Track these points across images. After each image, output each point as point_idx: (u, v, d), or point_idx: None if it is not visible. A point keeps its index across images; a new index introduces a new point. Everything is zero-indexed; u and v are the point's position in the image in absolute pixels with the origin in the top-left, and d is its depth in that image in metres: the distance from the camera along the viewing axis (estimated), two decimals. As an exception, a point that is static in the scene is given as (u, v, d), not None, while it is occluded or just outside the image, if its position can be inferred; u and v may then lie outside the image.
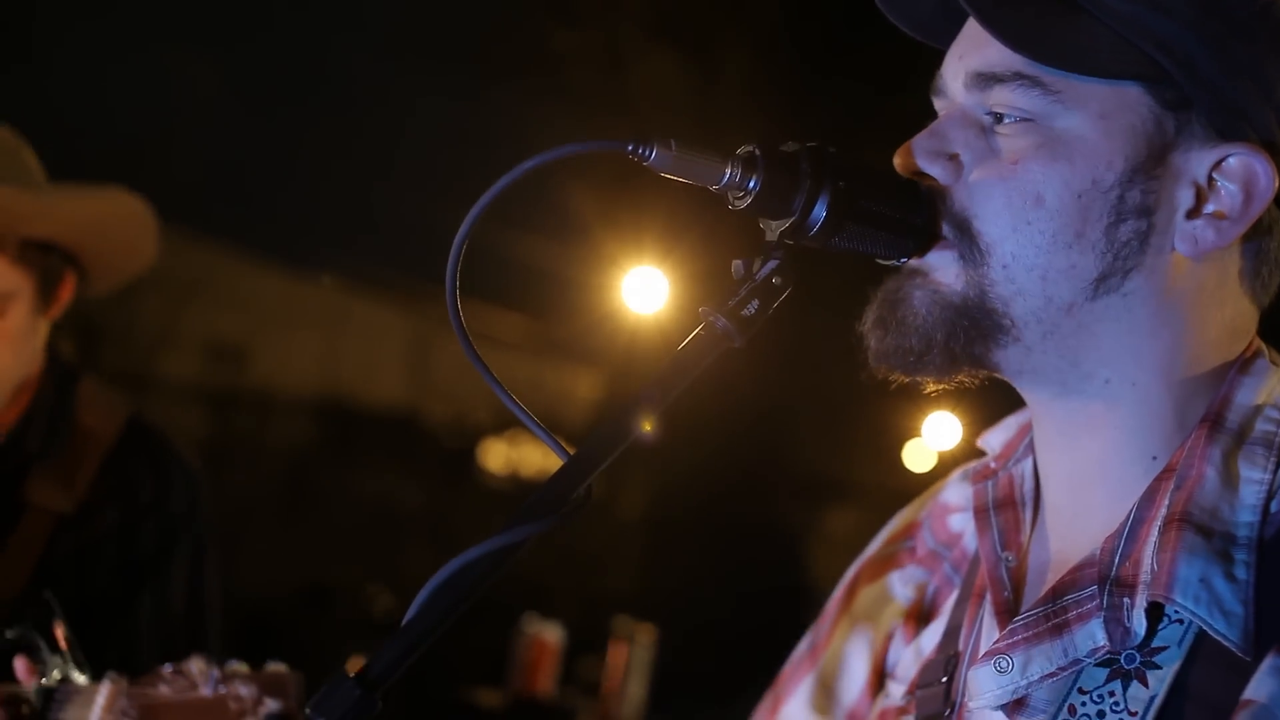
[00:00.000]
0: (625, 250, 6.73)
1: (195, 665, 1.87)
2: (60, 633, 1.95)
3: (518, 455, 12.53)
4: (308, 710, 1.23)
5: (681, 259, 6.30)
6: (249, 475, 12.47)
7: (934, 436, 8.65)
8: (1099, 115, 1.41)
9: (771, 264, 1.42)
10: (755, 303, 1.40)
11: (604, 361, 9.79)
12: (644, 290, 6.13)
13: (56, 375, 2.41)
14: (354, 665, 1.27)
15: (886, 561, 1.82)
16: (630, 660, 4.93)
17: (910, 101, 1.65)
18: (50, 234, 2.30)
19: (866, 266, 1.51)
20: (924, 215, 1.46)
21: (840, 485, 11.34)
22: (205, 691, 1.85)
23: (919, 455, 9.28)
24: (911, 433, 8.93)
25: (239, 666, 1.86)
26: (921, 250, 1.47)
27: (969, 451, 1.85)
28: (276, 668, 1.85)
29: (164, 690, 1.87)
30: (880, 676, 1.76)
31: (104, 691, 1.88)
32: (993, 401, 1.71)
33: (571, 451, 1.35)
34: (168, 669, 1.88)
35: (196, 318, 13.71)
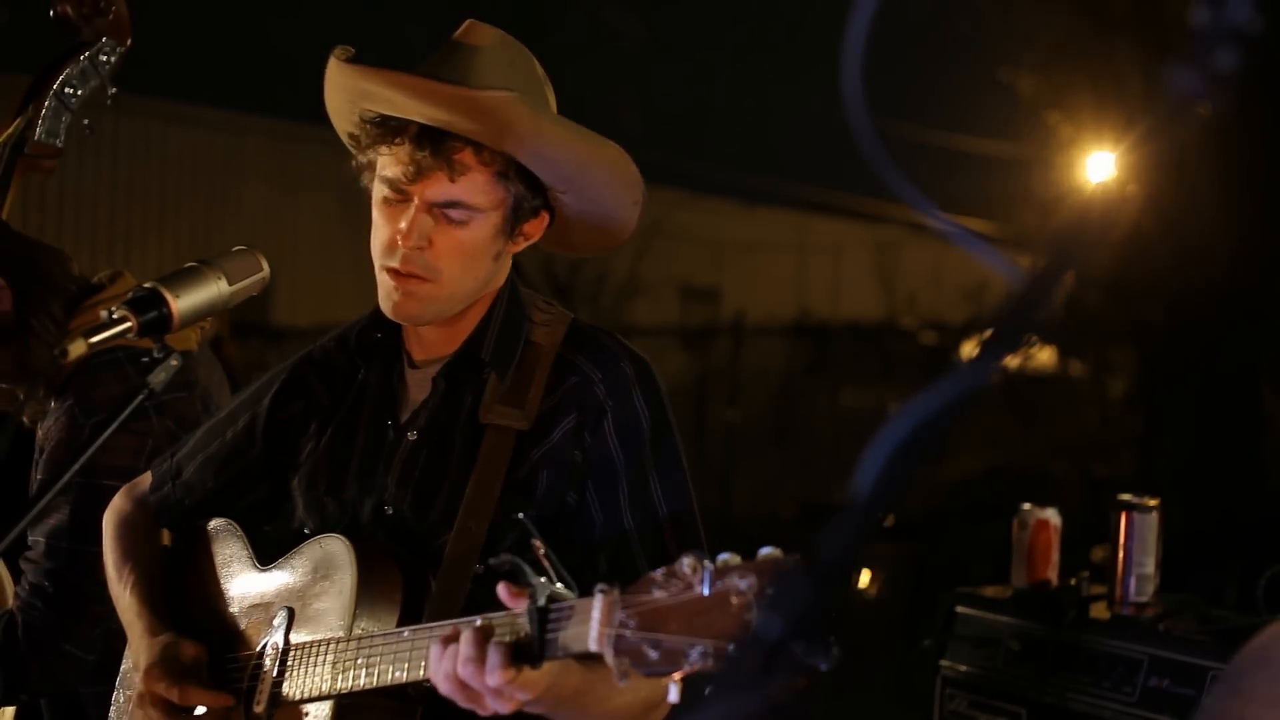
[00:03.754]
0: (1082, 134, 6.54)
1: (687, 563, 1.77)
2: (540, 551, 1.91)
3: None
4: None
5: (1138, 141, 6.05)
6: (736, 405, 12.78)
7: None
8: None
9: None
10: (1226, 50, 1.06)
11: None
12: (1103, 173, 5.96)
13: (509, 293, 2.44)
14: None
15: None
16: (1140, 536, 4.79)
17: None
18: (536, 154, 2.32)
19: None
20: None
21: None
22: (702, 590, 1.74)
23: None
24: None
25: (731, 558, 1.75)
26: None
27: None
28: (771, 553, 1.73)
29: (659, 595, 1.78)
30: None
31: (598, 605, 1.81)
32: None
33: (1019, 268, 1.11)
34: (659, 573, 1.78)
35: (663, 263, 14.14)
